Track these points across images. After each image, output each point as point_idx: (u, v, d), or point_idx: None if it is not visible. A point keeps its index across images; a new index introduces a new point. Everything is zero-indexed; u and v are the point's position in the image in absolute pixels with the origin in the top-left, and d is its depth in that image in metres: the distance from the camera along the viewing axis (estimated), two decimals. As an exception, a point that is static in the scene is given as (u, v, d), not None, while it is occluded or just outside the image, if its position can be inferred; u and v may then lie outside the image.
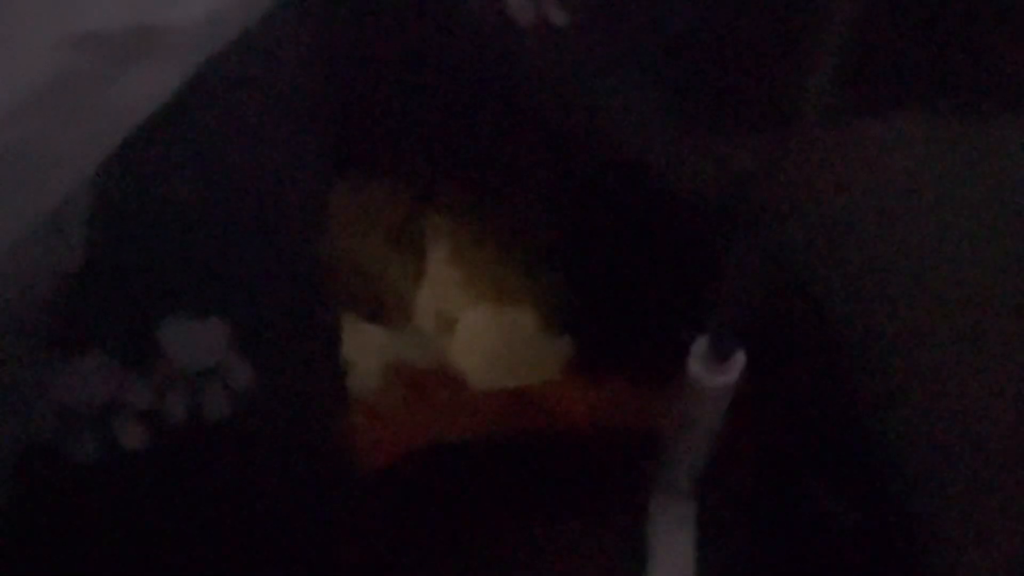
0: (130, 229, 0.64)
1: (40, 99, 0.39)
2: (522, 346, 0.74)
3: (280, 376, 0.66)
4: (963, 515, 0.68)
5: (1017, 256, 0.71)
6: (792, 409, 0.70)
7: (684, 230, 0.72)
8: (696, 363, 0.61)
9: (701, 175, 0.73)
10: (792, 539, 0.69)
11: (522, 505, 0.69)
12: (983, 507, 0.68)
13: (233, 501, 0.64)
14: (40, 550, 0.63)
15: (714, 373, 0.60)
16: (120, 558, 0.63)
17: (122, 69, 0.41)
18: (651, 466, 0.67)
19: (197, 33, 0.42)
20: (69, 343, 0.63)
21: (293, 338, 0.68)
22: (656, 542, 0.67)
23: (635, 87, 0.74)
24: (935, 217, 0.72)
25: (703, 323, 0.62)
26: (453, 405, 0.72)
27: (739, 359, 0.60)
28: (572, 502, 0.69)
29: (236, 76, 0.51)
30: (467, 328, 0.74)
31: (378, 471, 0.69)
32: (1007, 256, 0.71)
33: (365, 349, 0.72)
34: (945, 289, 0.70)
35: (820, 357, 0.70)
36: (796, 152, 0.58)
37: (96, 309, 0.64)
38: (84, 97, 0.40)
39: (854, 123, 0.72)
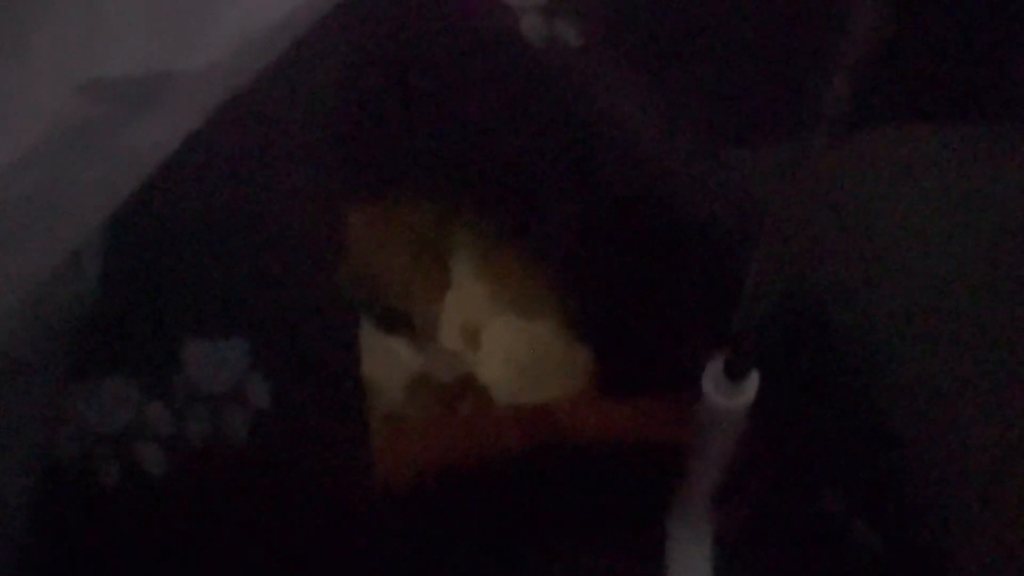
0: (149, 252, 0.65)
1: (60, 143, 0.40)
2: (548, 358, 0.75)
3: (300, 397, 0.67)
4: (982, 531, 0.68)
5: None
6: (809, 427, 0.70)
7: (701, 247, 0.72)
8: (710, 384, 0.61)
9: (718, 191, 0.73)
10: (810, 557, 0.69)
11: (541, 522, 0.69)
12: (1002, 522, 0.68)
13: (254, 522, 0.65)
14: (64, 571, 0.63)
15: (728, 395, 0.60)
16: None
17: (140, 114, 0.41)
18: (670, 484, 0.67)
19: (215, 78, 0.42)
20: (91, 368, 0.64)
21: (313, 358, 0.68)
22: (674, 559, 0.67)
23: (649, 104, 0.74)
24: (951, 229, 0.72)
25: (719, 343, 0.62)
26: (473, 422, 0.73)
27: (753, 380, 0.60)
28: (591, 519, 0.69)
29: (254, 107, 0.51)
30: (492, 340, 0.74)
31: (399, 489, 0.69)
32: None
33: (391, 365, 0.72)
34: (963, 302, 0.70)
35: (837, 373, 0.70)
36: (811, 165, 0.58)
37: (117, 333, 0.65)
38: (103, 141, 0.41)
39: (869, 134, 0.72)
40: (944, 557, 0.68)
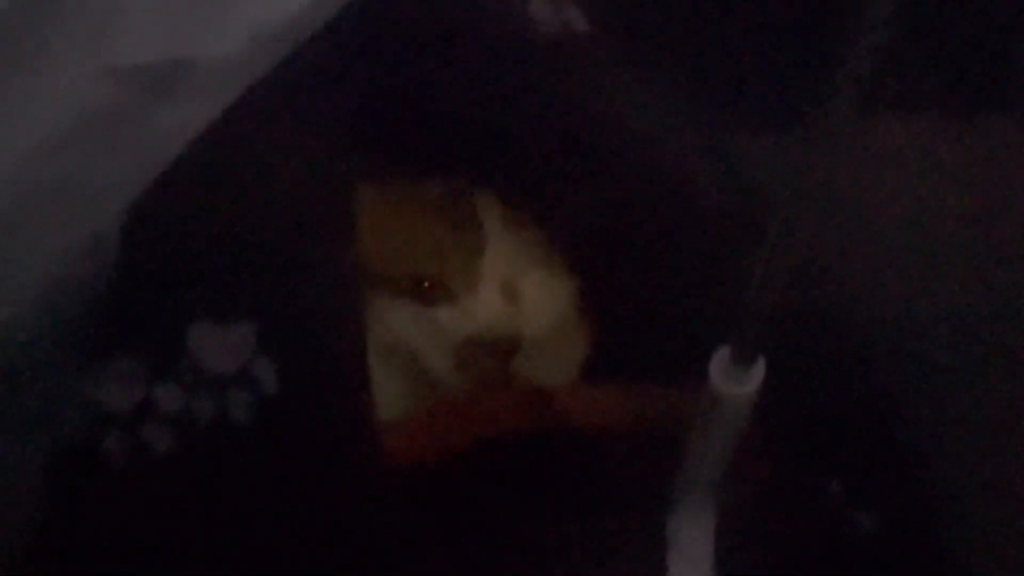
0: (159, 236, 0.65)
1: (83, 129, 0.40)
2: (581, 316, 0.75)
3: (306, 378, 0.67)
4: (981, 518, 0.68)
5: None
6: (811, 415, 0.70)
7: (708, 236, 0.72)
8: (717, 372, 0.61)
9: (726, 178, 0.74)
10: (811, 543, 0.69)
11: (545, 506, 0.70)
12: (1002, 509, 0.68)
13: (260, 500, 0.65)
14: (73, 549, 0.64)
15: (735, 383, 0.61)
16: (150, 557, 0.64)
17: (161, 101, 0.41)
18: (672, 467, 0.68)
19: (235, 66, 0.43)
20: (101, 350, 0.64)
21: (318, 341, 0.68)
22: (676, 544, 0.67)
23: (657, 90, 0.74)
24: (955, 219, 0.72)
25: (726, 331, 0.62)
26: (475, 406, 0.73)
27: (760, 369, 0.61)
28: (594, 503, 0.70)
29: (263, 95, 0.51)
30: (530, 293, 0.74)
31: (403, 470, 0.69)
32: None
33: (437, 334, 0.72)
34: (967, 292, 0.71)
35: (841, 362, 0.71)
36: (818, 155, 0.58)
37: (127, 316, 0.65)
38: (125, 128, 0.41)
39: (875, 125, 0.72)
40: (939, 538, 0.68)
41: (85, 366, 0.63)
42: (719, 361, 0.61)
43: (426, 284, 0.72)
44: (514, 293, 0.73)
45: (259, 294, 0.67)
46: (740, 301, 0.60)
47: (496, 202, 0.73)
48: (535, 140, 0.72)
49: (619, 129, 0.73)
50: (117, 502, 0.64)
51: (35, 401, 0.59)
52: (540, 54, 0.72)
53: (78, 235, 0.43)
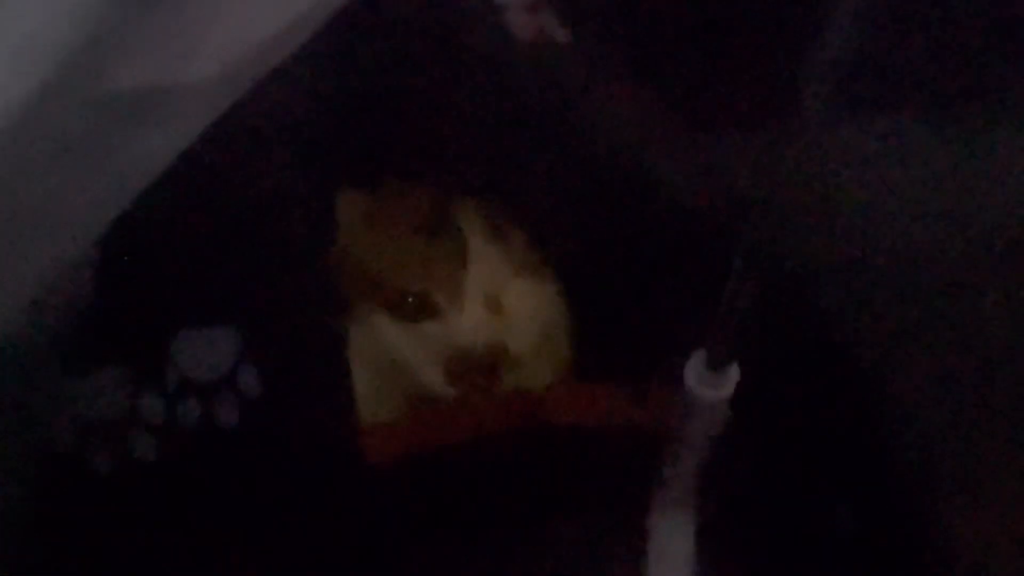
0: (141, 245, 0.65)
1: (64, 153, 0.41)
2: (563, 317, 0.75)
3: (290, 384, 0.68)
4: (963, 519, 0.69)
5: (1017, 253, 0.72)
6: (791, 415, 0.70)
7: (685, 239, 0.73)
8: (692, 376, 0.62)
9: (702, 180, 0.74)
10: (791, 544, 0.70)
11: (525, 509, 0.70)
12: (982, 511, 0.69)
13: (245, 506, 0.66)
14: (59, 557, 0.64)
15: (710, 386, 0.61)
16: (137, 565, 0.65)
17: (141, 125, 0.42)
18: (654, 468, 0.68)
19: (215, 89, 0.43)
20: (86, 359, 0.65)
21: (301, 347, 0.69)
22: (656, 547, 0.68)
23: (634, 93, 0.75)
24: (933, 219, 0.72)
25: (701, 333, 0.63)
26: (458, 408, 0.73)
27: (734, 373, 0.61)
28: (574, 506, 0.70)
29: (244, 104, 0.52)
30: (514, 303, 0.74)
31: (387, 472, 0.70)
32: (1010, 261, 0.72)
33: (426, 349, 0.73)
34: (946, 290, 0.71)
35: (818, 361, 0.71)
36: (794, 156, 0.59)
37: (110, 325, 0.65)
38: (106, 152, 0.42)
39: (851, 126, 0.72)
40: (921, 538, 0.69)
41: (70, 377, 0.64)
42: (694, 365, 0.62)
43: (410, 299, 0.72)
44: (499, 305, 0.73)
45: (242, 301, 0.68)
46: (715, 303, 0.60)
47: (477, 214, 0.74)
48: (514, 147, 0.73)
49: (598, 134, 0.74)
50: (104, 511, 0.65)
51: (20, 412, 0.60)
52: (517, 62, 0.72)
53: (59, 254, 0.44)
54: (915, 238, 0.72)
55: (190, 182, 0.64)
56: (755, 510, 0.70)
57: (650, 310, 0.72)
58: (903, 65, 0.73)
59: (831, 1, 0.54)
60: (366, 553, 0.68)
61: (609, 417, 0.72)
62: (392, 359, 0.73)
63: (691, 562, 0.67)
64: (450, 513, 0.70)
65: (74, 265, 0.58)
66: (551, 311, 0.75)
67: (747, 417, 0.65)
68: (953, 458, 0.70)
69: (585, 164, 0.73)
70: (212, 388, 0.67)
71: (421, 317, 0.72)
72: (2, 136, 0.39)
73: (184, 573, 0.65)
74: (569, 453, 0.71)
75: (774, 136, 0.59)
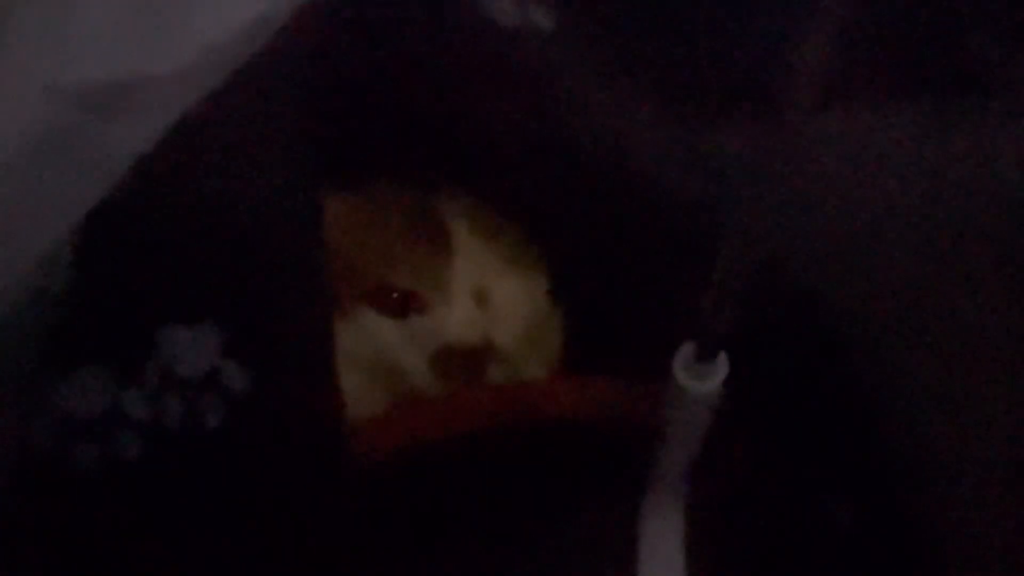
0: (122, 239, 0.65)
1: (31, 148, 0.40)
2: (552, 313, 0.75)
3: (275, 380, 0.67)
4: (956, 511, 0.69)
5: (1004, 248, 0.72)
6: (782, 407, 0.70)
7: (672, 230, 0.73)
8: (680, 368, 0.61)
9: (688, 173, 0.74)
10: (783, 538, 0.69)
11: (513, 504, 0.70)
12: (977, 504, 0.69)
13: (231, 505, 0.66)
14: (41, 559, 0.64)
15: (698, 378, 0.61)
16: (120, 565, 0.64)
17: (110, 119, 0.41)
18: (644, 461, 0.68)
19: (185, 82, 0.43)
20: (66, 356, 0.64)
21: (287, 342, 0.68)
22: (647, 541, 0.68)
23: (620, 84, 0.74)
24: (923, 210, 0.72)
25: (690, 326, 0.62)
26: (447, 402, 0.73)
27: (723, 363, 0.61)
28: (563, 501, 0.70)
29: (227, 96, 0.51)
30: (501, 298, 0.74)
31: (371, 469, 0.70)
32: (995, 248, 0.72)
33: (412, 345, 0.72)
34: (936, 280, 0.71)
35: (809, 353, 0.71)
36: (782, 145, 0.58)
37: (91, 320, 0.65)
38: (73, 146, 0.41)
39: (837, 115, 0.72)
40: (915, 530, 0.69)
41: (49, 374, 0.63)
42: (682, 358, 0.61)
43: (396, 295, 0.72)
44: (486, 300, 0.73)
45: (226, 296, 0.67)
46: (702, 295, 0.60)
47: (462, 208, 0.74)
48: (498, 140, 0.72)
49: (583, 125, 0.73)
50: (86, 509, 0.64)
51: (1, 412, 0.59)
52: (504, 53, 0.72)
53: (31, 250, 0.43)
54: (904, 228, 0.72)
55: (173, 175, 0.64)
56: (746, 505, 0.70)
57: (639, 302, 0.72)
58: (890, 54, 0.73)
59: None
60: (353, 552, 0.68)
61: (599, 411, 0.72)
62: (379, 355, 0.72)
63: (682, 559, 0.67)
64: (440, 510, 0.70)
65: (52, 260, 0.57)
66: (539, 305, 0.74)
67: (737, 409, 0.64)
68: (948, 452, 0.69)
69: (570, 155, 0.73)
70: (196, 385, 0.66)
71: (407, 312, 0.72)
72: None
73: (169, 574, 0.64)
74: (558, 448, 0.71)
75: (760, 126, 0.58)
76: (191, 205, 0.67)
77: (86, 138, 0.42)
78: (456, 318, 0.72)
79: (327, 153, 0.70)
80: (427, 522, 0.69)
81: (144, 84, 0.41)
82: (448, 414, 0.72)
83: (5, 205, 0.40)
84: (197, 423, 0.66)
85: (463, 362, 0.72)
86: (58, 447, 0.64)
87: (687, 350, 0.61)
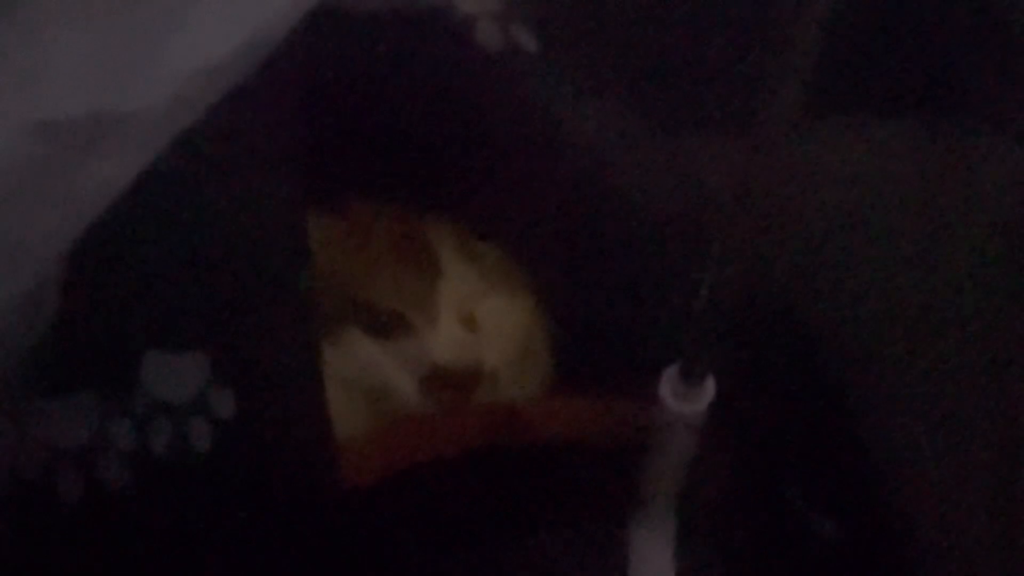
0: (108, 266, 0.65)
1: (10, 185, 0.40)
2: (540, 333, 0.75)
3: (263, 406, 0.67)
4: (940, 522, 0.69)
5: (988, 259, 0.72)
6: (768, 422, 0.70)
7: (658, 249, 0.73)
8: (667, 390, 0.61)
9: (673, 191, 0.74)
10: (771, 553, 0.69)
11: (503, 522, 0.70)
12: (961, 514, 0.69)
13: (219, 532, 0.65)
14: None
15: (684, 400, 0.61)
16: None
17: (89, 154, 0.41)
18: (634, 481, 0.68)
19: (164, 116, 0.43)
20: (52, 384, 0.64)
21: (273, 366, 0.68)
22: (636, 560, 0.67)
23: (605, 101, 0.74)
24: (906, 224, 0.72)
25: (678, 346, 0.63)
26: (437, 422, 0.73)
27: (710, 385, 0.61)
28: (552, 519, 0.70)
29: (212, 122, 0.51)
30: (489, 320, 0.74)
31: (361, 492, 0.69)
32: (979, 260, 0.72)
33: (401, 367, 0.72)
34: (919, 297, 0.71)
35: (795, 368, 0.71)
36: (766, 163, 0.58)
37: (77, 348, 0.65)
38: (53, 183, 0.41)
39: (825, 131, 0.72)
40: (900, 543, 0.69)
41: (36, 402, 0.63)
42: (669, 379, 0.61)
43: (383, 318, 0.72)
44: (474, 321, 0.73)
45: (211, 321, 0.67)
46: (687, 318, 0.60)
47: (448, 230, 0.74)
48: (483, 161, 0.72)
49: (568, 145, 0.73)
50: (73, 538, 0.64)
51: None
52: (488, 75, 0.72)
53: (13, 284, 0.43)
54: (892, 244, 0.72)
55: (158, 203, 0.64)
56: (734, 522, 0.70)
57: (625, 322, 0.72)
58: (875, 73, 0.73)
59: (803, 4, 0.54)
60: (344, 572, 0.68)
61: (588, 432, 0.72)
62: (367, 377, 0.72)
63: (672, 573, 0.67)
64: (429, 530, 0.69)
65: (37, 288, 0.57)
66: (527, 326, 0.74)
67: (728, 424, 0.65)
68: (931, 466, 0.69)
69: (556, 175, 0.73)
70: (183, 411, 0.66)
71: (395, 335, 0.72)
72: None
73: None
74: (547, 468, 0.71)
75: (744, 144, 0.58)
76: (177, 230, 0.67)
77: (66, 174, 0.41)
78: (444, 340, 0.72)
79: (313, 176, 0.70)
80: (416, 544, 0.69)
81: (123, 118, 0.41)
82: (437, 436, 0.72)
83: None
84: (185, 449, 0.65)
85: (452, 384, 0.72)
86: (44, 476, 0.63)
87: (673, 372, 0.61)
